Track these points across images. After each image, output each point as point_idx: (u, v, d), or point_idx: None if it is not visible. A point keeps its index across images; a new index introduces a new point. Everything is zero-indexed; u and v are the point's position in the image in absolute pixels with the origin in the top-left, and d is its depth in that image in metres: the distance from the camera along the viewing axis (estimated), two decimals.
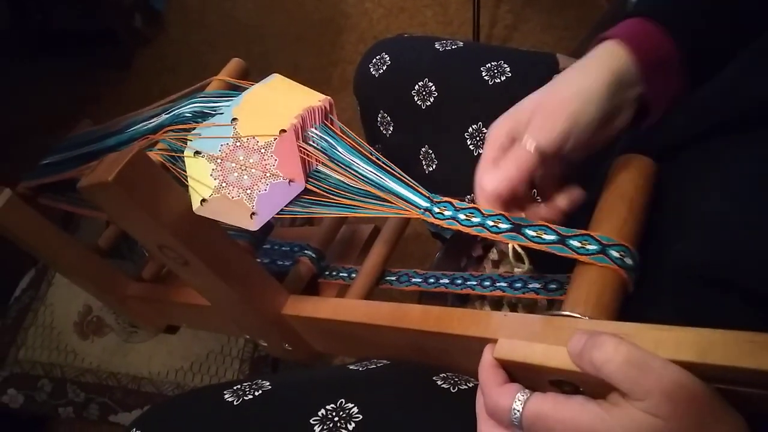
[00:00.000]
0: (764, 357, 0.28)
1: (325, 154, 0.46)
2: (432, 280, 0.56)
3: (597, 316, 0.37)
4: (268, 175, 0.45)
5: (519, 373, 0.36)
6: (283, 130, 0.46)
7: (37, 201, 0.79)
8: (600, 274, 0.38)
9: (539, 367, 0.34)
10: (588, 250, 0.39)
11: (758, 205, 0.35)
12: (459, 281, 0.53)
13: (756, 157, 0.37)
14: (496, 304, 0.55)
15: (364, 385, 0.46)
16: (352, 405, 0.42)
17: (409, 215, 0.44)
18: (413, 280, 0.57)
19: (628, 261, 0.38)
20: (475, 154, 0.64)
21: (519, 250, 0.41)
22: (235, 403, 0.44)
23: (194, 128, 0.49)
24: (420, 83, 0.67)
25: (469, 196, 0.66)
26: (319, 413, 0.42)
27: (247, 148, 0.46)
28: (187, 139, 0.48)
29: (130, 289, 0.79)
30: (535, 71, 0.63)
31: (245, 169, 0.46)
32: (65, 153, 0.75)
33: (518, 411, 0.32)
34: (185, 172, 0.47)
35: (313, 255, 0.63)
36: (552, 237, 0.40)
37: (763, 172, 0.36)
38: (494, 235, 0.41)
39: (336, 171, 0.45)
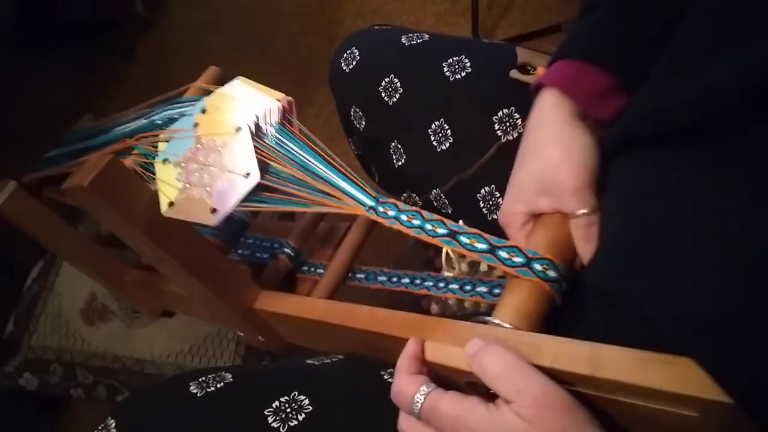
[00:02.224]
0: (646, 373, 0.30)
1: (279, 152, 0.48)
2: (395, 279, 0.58)
3: (520, 325, 0.39)
4: (225, 171, 0.48)
5: (442, 373, 0.39)
6: (239, 128, 0.49)
7: (42, 193, 0.84)
8: (527, 285, 0.41)
9: (453, 369, 0.37)
10: (514, 262, 0.41)
11: (635, 225, 0.37)
12: (418, 281, 0.56)
13: (643, 175, 0.39)
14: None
15: (317, 378, 0.49)
16: (304, 397, 0.46)
17: (355, 212, 0.46)
18: (379, 278, 0.60)
19: (551, 274, 0.40)
20: (438, 150, 0.65)
21: (452, 255, 0.44)
22: (198, 395, 0.48)
23: (163, 134, 0.52)
24: (386, 79, 0.68)
25: (435, 191, 0.69)
26: (273, 405, 0.45)
27: (208, 148, 0.49)
28: (156, 146, 0.52)
29: (129, 275, 0.84)
30: (495, 65, 0.64)
31: (205, 169, 0.49)
32: (65, 147, 0.79)
33: (419, 402, 0.35)
34: (155, 176, 0.50)
35: (291, 252, 0.66)
36: (483, 246, 0.42)
37: (645, 192, 0.38)
38: (431, 238, 0.43)
39: (288, 168, 0.48)
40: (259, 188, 0.47)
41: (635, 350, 0.31)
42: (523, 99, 0.60)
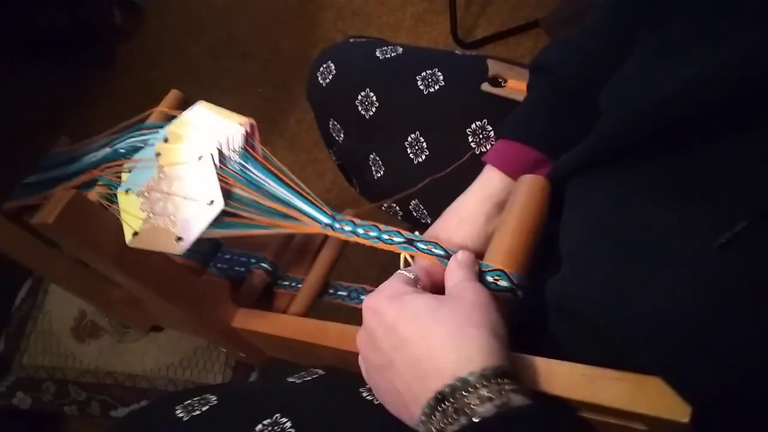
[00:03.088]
0: (595, 390, 0.32)
1: (242, 177, 0.50)
2: None
3: None
4: (187, 199, 0.49)
5: None
6: (201, 156, 0.50)
7: (22, 219, 0.85)
8: None
9: None
10: None
11: (591, 244, 0.39)
12: None
13: (603, 194, 0.41)
14: None
15: (297, 399, 0.50)
16: (286, 420, 0.46)
17: (313, 230, 0.49)
18: (361, 297, 0.61)
19: (502, 284, 0.42)
20: (415, 163, 0.67)
21: (410, 260, 0.46)
22: (185, 419, 0.49)
23: (126, 164, 0.53)
24: (362, 93, 0.69)
25: (413, 201, 0.70)
26: (256, 429, 0.46)
27: (170, 177, 0.50)
28: (119, 176, 0.52)
29: (115, 294, 0.84)
30: (467, 78, 0.65)
31: (169, 198, 0.50)
32: (41, 174, 0.79)
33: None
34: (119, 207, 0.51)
35: (268, 267, 0.67)
36: (440, 252, 0.45)
37: (598, 211, 0.40)
38: (389, 246, 0.46)
39: (250, 193, 0.50)
40: (222, 214, 0.48)
41: (586, 367, 0.33)
42: (495, 111, 0.61)
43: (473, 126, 0.63)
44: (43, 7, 1.61)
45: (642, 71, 0.40)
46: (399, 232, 0.47)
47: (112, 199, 0.53)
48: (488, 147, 0.62)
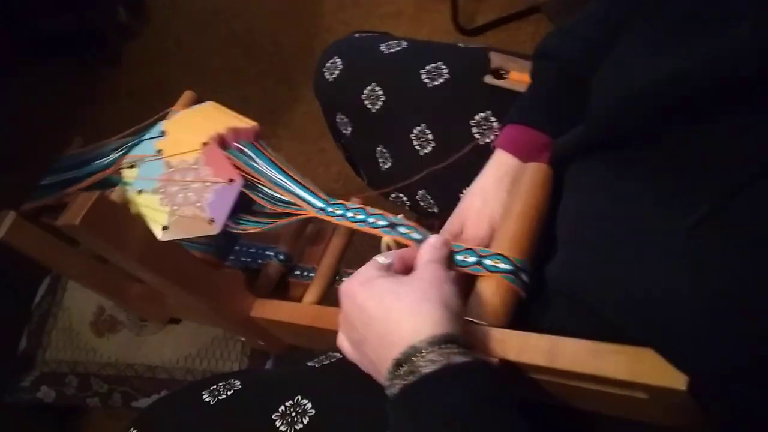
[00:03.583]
0: (599, 363, 0.34)
1: (246, 164, 0.53)
2: None
3: (491, 321, 0.43)
4: (208, 185, 0.52)
5: None
6: (206, 143, 0.52)
7: (41, 220, 0.87)
8: (494, 282, 0.44)
9: None
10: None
11: (582, 229, 0.42)
12: None
13: (590, 181, 0.43)
14: None
15: (317, 381, 0.53)
16: (307, 401, 0.49)
17: (309, 214, 0.53)
18: None
19: (503, 266, 0.44)
20: (421, 154, 0.68)
21: (391, 245, 0.50)
22: (211, 403, 0.52)
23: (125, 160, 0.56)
24: (369, 88, 0.71)
25: (420, 192, 0.72)
26: (280, 409, 0.49)
27: (181, 169, 0.53)
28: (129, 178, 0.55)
29: (134, 289, 0.87)
30: (471, 71, 0.66)
31: (187, 188, 0.52)
32: (57, 176, 0.82)
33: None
34: (139, 207, 0.53)
35: (282, 257, 0.69)
36: (419, 236, 0.49)
37: (588, 197, 0.42)
38: (373, 229, 0.50)
39: (256, 178, 0.53)
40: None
41: (590, 342, 0.35)
42: (498, 103, 0.63)
43: (477, 117, 0.65)
44: (47, 8, 1.63)
45: (629, 60, 0.42)
46: (384, 216, 0.50)
47: (128, 199, 0.55)
48: (492, 138, 0.64)
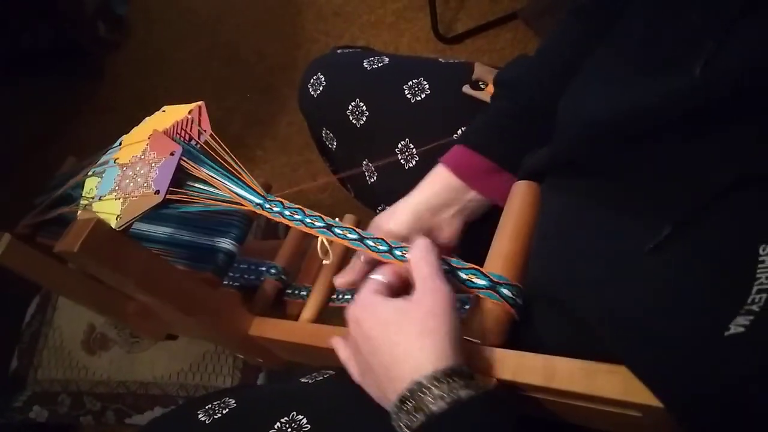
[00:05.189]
0: (593, 382, 0.36)
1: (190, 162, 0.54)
2: None
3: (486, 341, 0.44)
4: (153, 165, 0.53)
5: None
6: (150, 135, 0.54)
7: (36, 240, 0.87)
8: (488, 301, 0.46)
9: None
10: (379, 249, 0.49)
11: (550, 247, 0.44)
12: None
13: (557, 200, 0.45)
14: None
15: (312, 397, 0.54)
16: (302, 417, 0.50)
17: (247, 208, 0.54)
18: None
19: (479, 282, 0.46)
20: (406, 168, 0.70)
21: (327, 245, 0.52)
22: (207, 422, 0.52)
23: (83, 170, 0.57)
24: (353, 103, 0.72)
25: None
26: (276, 426, 0.50)
27: (132, 164, 0.54)
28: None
29: (131, 306, 0.87)
30: (452, 85, 0.69)
31: (136, 176, 0.53)
32: (48, 195, 0.82)
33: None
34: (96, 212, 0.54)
35: (279, 274, 0.71)
36: (354, 236, 0.51)
37: (556, 216, 0.45)
38: (309, 229, 0.51)
39: (197, 172, 0.54)
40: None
41: (583, 361, 0.37)
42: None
43: (459, 131, 0.67)
44: (25, 24, 1.62)
45: (593, 89, 0.44)
46: (321, 218, 0.52)
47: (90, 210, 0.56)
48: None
